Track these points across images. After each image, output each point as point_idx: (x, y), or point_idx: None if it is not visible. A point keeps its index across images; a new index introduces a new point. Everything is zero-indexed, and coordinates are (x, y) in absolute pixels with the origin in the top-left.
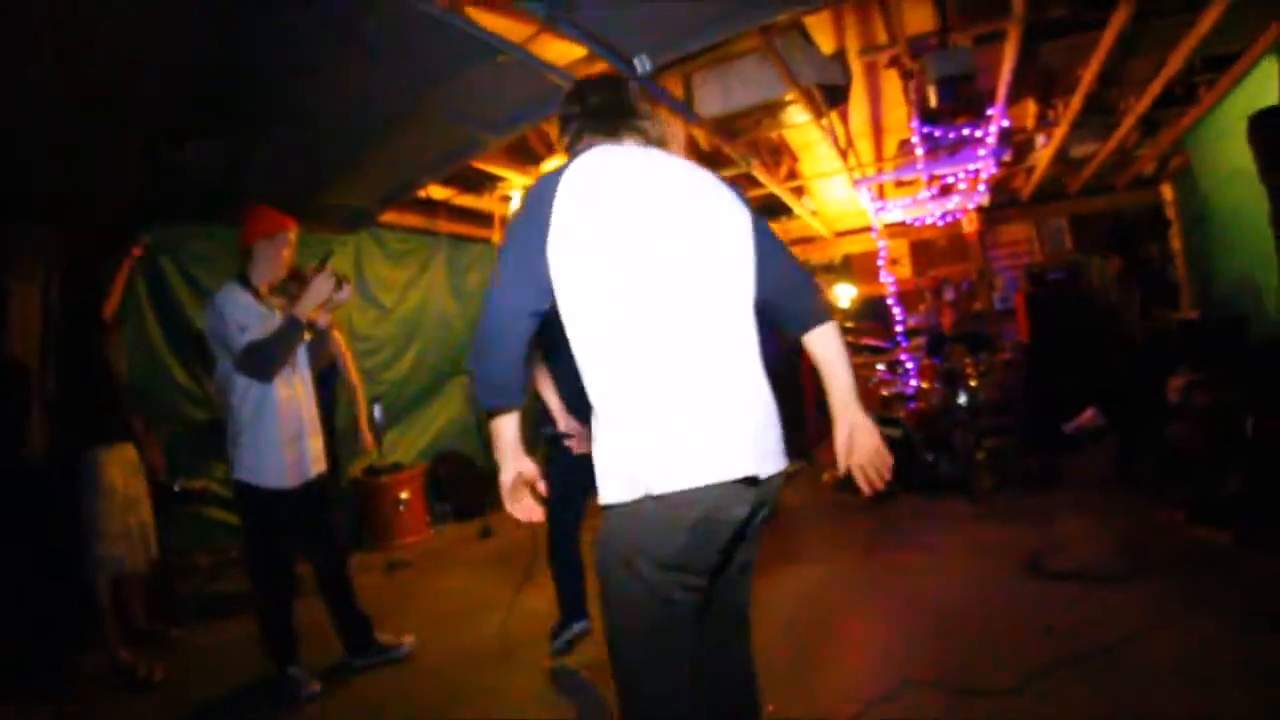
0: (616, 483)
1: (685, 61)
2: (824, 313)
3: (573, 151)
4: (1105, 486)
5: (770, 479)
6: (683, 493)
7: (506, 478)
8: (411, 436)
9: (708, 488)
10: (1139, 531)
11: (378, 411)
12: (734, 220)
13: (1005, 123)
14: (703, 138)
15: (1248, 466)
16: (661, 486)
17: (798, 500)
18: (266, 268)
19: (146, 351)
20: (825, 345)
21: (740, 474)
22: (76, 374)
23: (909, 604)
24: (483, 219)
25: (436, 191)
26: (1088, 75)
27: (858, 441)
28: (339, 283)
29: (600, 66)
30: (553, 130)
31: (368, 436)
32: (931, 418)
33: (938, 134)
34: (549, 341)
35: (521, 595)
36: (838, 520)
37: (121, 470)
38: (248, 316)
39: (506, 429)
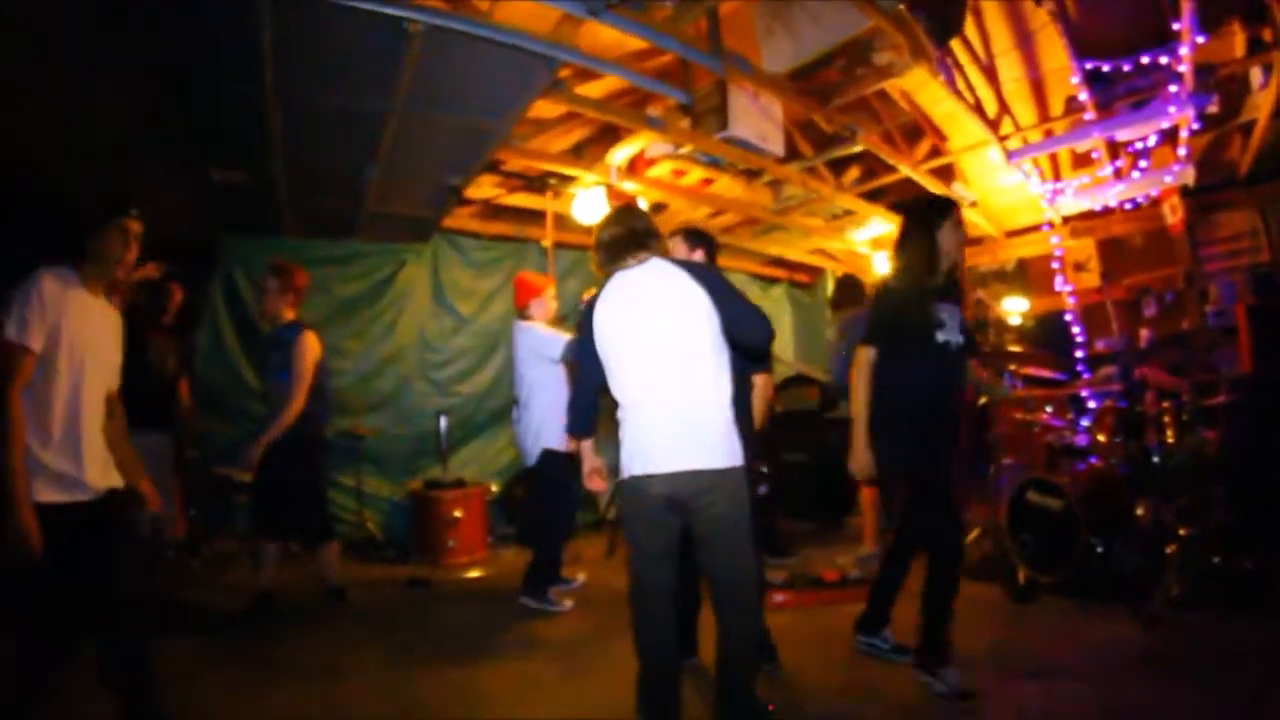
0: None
1: None
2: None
3: (604, 274)
4: None
5: (684, 472)
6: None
7: (587, 466)
8: (489, 454)
9: (634, 477)
10: None
11: (443, 424)
12: (690, 297)
13: (1201, 38)
14: (815, 113)
15: None
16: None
17: None
18: (543, 314)
19: (221, 356)
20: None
21: (646, 471)
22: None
23: None
24: (569, 226)
25: (502, 196)
26: None
27: None
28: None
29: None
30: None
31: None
32: (1109, 486)
33: (1107, 69)
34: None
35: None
36: (963, 617)
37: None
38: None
39: (586, 444)
